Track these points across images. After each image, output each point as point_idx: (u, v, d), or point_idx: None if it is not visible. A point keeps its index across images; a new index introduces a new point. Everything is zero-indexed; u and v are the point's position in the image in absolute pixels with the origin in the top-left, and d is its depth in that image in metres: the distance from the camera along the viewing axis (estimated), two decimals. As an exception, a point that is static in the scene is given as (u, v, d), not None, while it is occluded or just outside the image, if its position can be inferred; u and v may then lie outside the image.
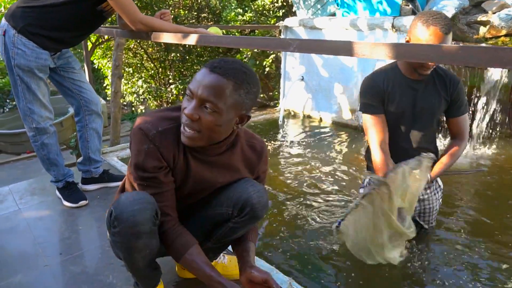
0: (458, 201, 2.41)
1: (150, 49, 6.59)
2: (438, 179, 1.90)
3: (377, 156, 1.67)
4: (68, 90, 2.12)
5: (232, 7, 6.50)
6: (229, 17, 6.45)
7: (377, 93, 1.71)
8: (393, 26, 3.38)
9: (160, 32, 1.90)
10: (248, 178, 1.29)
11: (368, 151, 1.86)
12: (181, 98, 6.34)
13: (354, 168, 2.91)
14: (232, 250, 1.42)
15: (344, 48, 0.98)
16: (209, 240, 1.33)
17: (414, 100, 1.71)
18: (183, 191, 1.24)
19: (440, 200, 1.93)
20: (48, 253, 1.72)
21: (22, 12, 1.81)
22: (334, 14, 3.99)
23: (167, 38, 1.77)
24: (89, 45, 5.83)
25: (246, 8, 6.48)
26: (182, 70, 6.81)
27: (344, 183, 2.68)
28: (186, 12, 6.65)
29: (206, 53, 6.71)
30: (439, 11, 1.58)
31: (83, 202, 2.15)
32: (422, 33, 1.50)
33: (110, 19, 2.27)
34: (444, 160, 1.75)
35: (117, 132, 3.80)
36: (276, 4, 6.05)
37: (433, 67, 1.63)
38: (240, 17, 6.10)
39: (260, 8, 6.28)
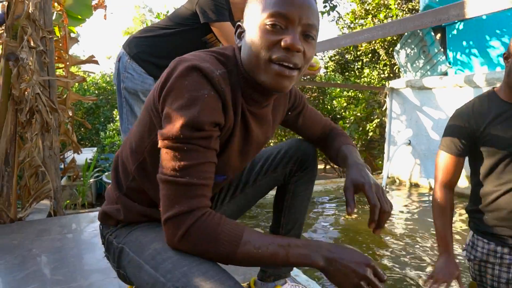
0: None
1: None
2: None
3: (438, 194, 1.38)
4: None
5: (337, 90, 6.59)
6: (333, 93, 6.54)
7: (463, 131, 1.34)
8: (518, 80, 2.97)
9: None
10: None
11: (470, 206, 1.42)
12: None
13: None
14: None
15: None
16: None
17: None
18: (236, 162, 0.95)
19: None
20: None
21: (137, 41, 2.03)
22: (445, 74, 3.72)
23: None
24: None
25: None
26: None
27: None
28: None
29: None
30: None
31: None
32: None
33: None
34: None
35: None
36: (382, 75, 5.99)
37: None
38: (345, 93, 6.09)
39: (365, 84, 6.25)
